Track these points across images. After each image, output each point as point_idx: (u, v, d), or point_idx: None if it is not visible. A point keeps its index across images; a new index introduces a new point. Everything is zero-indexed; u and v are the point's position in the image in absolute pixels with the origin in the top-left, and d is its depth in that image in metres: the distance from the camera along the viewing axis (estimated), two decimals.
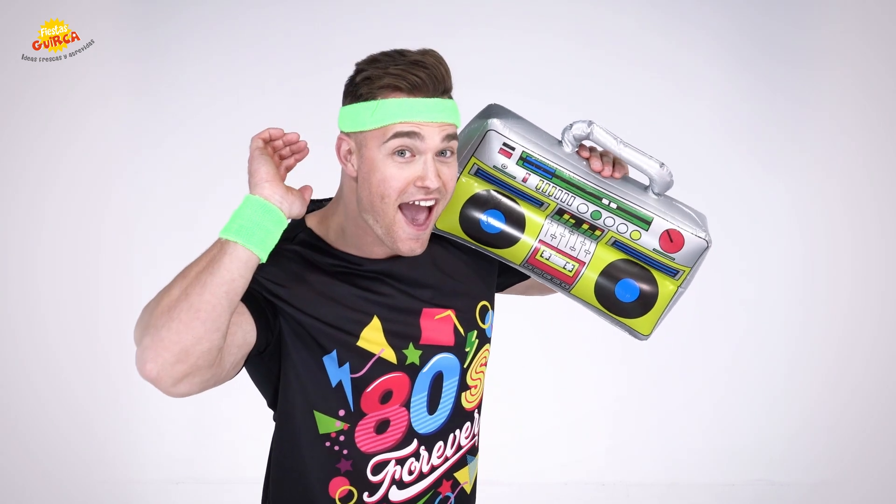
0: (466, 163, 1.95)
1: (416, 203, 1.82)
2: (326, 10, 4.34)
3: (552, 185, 1.93)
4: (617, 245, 1.98)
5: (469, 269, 2.04)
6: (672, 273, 1.97)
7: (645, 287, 1.98)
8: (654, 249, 1.96)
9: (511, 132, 1.92)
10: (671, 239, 1.94)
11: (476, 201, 1.97)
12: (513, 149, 1.92)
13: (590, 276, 1.98)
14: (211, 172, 4.22)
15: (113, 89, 4.19)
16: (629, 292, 1.98)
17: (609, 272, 1.98)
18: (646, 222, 1.94)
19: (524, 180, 1.94)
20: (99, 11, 4.10)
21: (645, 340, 2.06)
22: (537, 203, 1.96)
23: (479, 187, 1.97)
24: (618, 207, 1.94)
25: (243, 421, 3.73)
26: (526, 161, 1.92)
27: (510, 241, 1.99)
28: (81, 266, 4.17)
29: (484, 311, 2.05)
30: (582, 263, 1.98)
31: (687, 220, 1.95)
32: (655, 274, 1.98)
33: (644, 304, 1.99)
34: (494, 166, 1.93)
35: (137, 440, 4.34)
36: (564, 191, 1.93)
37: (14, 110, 4.06)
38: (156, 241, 4.25)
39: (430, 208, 1.84)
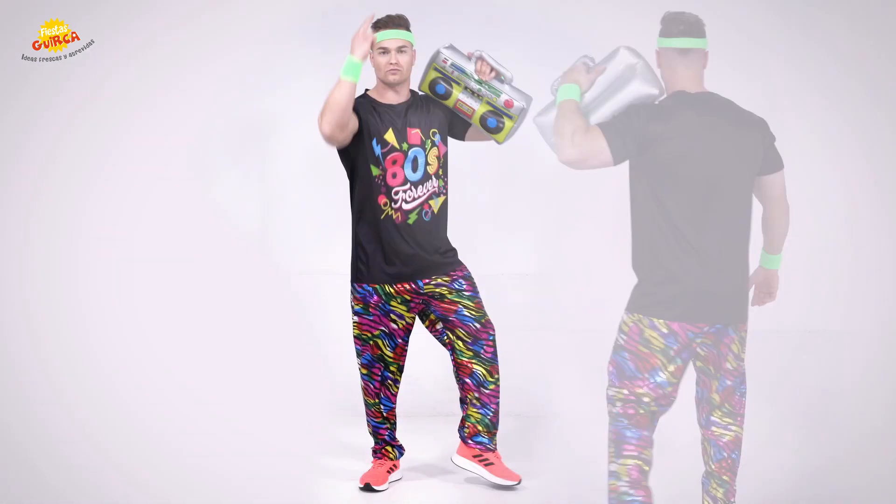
0: None
1: None
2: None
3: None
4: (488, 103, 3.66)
5: None
6: (510, 117, 3.62)
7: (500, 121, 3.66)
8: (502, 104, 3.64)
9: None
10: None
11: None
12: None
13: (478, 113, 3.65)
14: (211, 170, 4.24)
15: (113, 89, 4.20)
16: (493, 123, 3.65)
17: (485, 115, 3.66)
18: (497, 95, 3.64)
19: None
20: (99, 11, 4.12)
21: (501, 145, 3.68)
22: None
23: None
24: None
25: None
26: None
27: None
28: (80, 265, 4.18)
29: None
30: (473, 110, 3.63)
31: (519, 97, 3.61)
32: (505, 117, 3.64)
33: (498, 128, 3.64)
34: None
35: None
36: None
37: (14, 110, 4.09)
38: (155, 239, 4.22)
39: None
